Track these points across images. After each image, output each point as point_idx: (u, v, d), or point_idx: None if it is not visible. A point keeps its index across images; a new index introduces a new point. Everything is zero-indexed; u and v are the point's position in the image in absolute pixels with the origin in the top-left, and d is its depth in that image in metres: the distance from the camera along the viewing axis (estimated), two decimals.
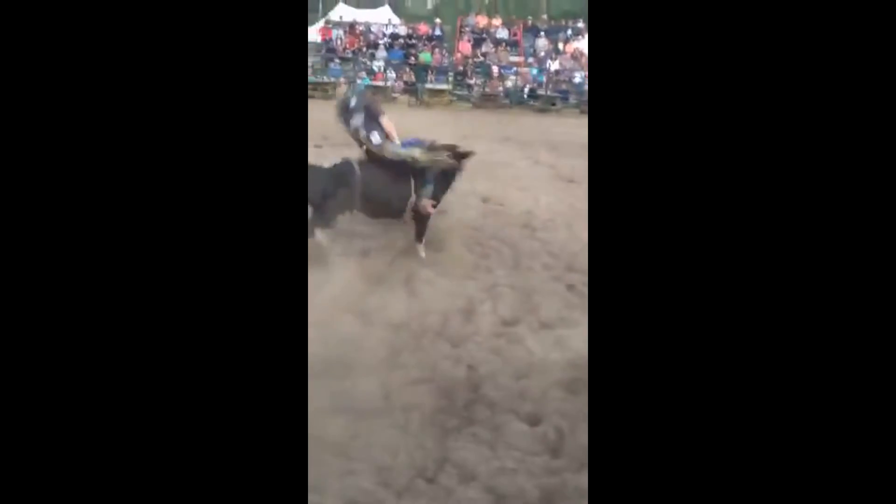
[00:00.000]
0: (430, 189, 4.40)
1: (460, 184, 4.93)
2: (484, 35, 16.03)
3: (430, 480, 2.30)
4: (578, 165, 6.64)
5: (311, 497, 1.52)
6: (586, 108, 13.98)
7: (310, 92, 14.09)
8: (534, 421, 2.65)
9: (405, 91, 14.64)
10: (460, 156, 4.42)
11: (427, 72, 14.94)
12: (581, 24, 16.01)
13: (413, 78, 14.82)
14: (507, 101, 14.29)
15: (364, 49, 15.60)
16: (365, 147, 4.39)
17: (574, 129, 9.68)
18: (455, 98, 14.59)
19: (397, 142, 4.38)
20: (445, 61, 15.35)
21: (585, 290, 3.87)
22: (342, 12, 17.09)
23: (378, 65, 15.09)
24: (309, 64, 14.81)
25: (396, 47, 15.51)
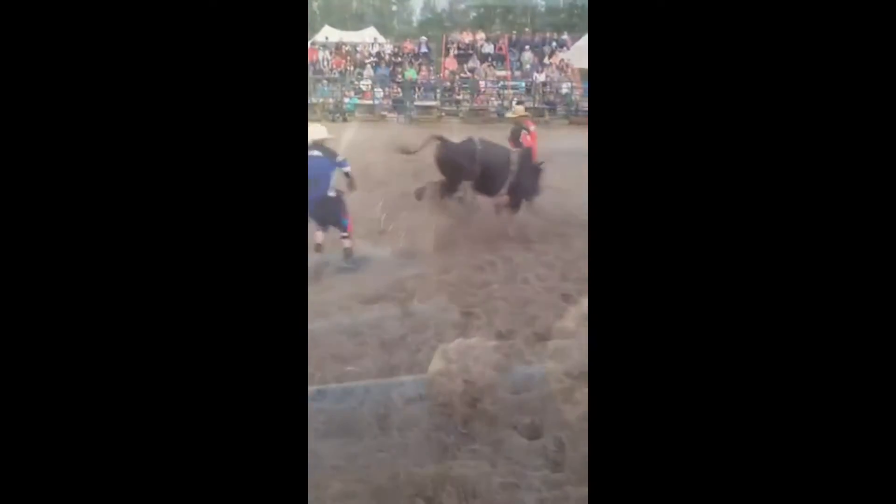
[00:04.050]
0: None
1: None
2: (470, 51, 16.15)
3: (430, 500, 2.27)
4: (569, 175, 6.64)
5: None
6: (574, 118, 14.10)
7: None
8: (533, 434, 2.62)
9: (394, 109, 14.71)
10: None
11: (414, 89, 15.02)
12: (565, 36, 16.16)
13: (400, 95, 14.89)
14: (494, 115, 14.36)
15: (351, 69, 15.68)
16: None
17: (563, 139, 9.71)
18: (443, 114, 14.65)
19: None
20: (432, 78, 15.44)
21: (581, 299, 3.85)
22: (328, 34, 17.20)
23: (365, 84, 15.16)
24: None
25: (383, 66, 15.60)
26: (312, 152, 4.52)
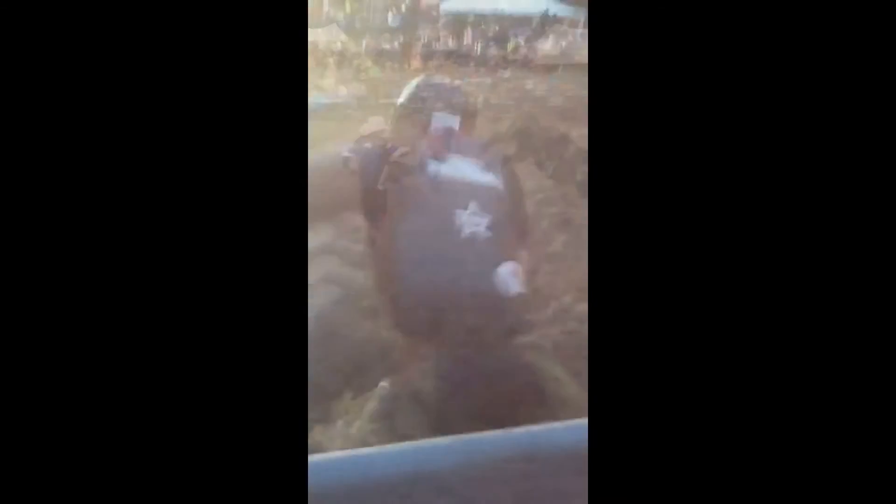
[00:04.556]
0: None
1: None
2: (434, 48, 16.20)
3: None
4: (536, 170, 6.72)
5: None
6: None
7: None
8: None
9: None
10: None
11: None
12: (530, 32, 16.36)
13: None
14: None
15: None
16: None
17: None
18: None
19: None
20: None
21: (559, 293, 3.89)
22: None
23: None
24: None
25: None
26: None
